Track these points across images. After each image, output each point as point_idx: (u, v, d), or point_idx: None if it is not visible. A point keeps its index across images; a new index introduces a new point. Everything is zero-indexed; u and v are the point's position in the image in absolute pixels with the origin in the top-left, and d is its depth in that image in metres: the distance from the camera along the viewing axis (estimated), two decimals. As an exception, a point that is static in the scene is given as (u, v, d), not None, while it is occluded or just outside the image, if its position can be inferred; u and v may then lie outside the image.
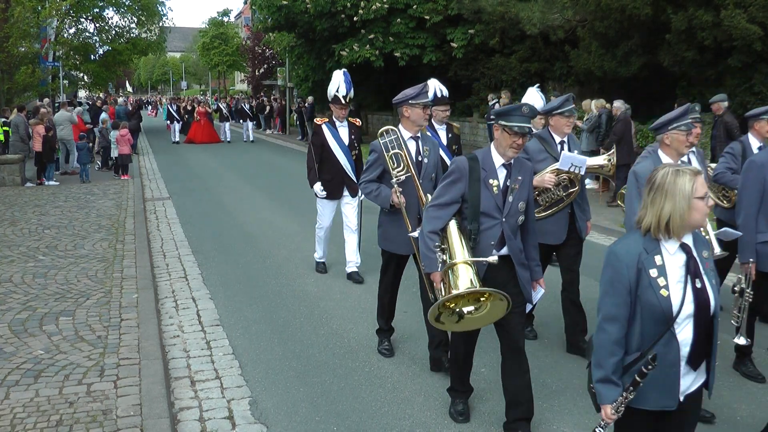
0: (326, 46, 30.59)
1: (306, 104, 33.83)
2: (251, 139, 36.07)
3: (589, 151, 16.80)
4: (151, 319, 7.54)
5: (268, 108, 41.81)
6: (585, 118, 16.75)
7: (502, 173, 5.01)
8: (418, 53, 27.83)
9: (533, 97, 8.25)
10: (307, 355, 6.76)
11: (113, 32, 45.76)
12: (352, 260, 9.44)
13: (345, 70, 9.14)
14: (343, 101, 8.93)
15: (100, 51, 45.62)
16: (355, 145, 9.29)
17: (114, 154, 21.02)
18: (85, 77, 47.66)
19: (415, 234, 5.83)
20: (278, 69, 51.55)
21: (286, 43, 37.42)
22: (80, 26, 44.65)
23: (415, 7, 27.33)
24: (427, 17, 27.15)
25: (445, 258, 5.01)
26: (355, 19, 27.52)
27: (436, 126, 8.13)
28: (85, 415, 5.30)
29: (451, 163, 5.28)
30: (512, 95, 22.80)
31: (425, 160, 6.49)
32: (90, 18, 44.73)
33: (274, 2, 28.21)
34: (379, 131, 6.69)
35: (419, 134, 6.59)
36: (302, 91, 40.04)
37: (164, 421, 5.21)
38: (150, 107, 79.36)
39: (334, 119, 9.13)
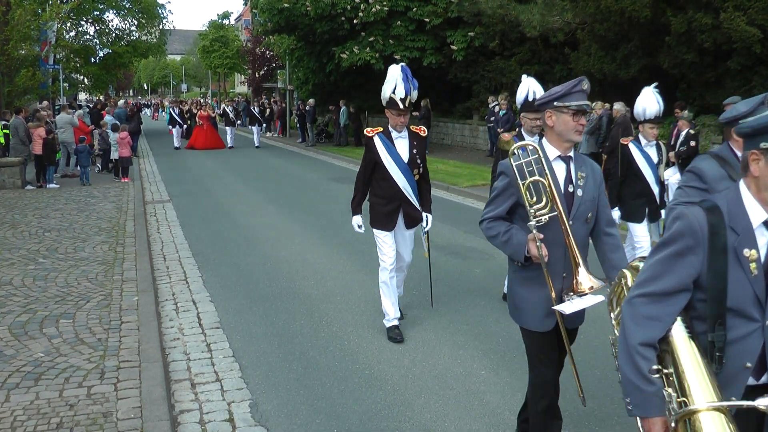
0: (326, 49, 30.64)
1: (307, 107, 33.65)
2: (256, 144, 33.72)
3: (588, 154, 16.83)
4: (152, 322, 7.54)
5: (268, 111, 41.49)
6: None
7: (763, 237, 2.91)
8: (418, 56, 27.87)
9: (649, 98, 8.64)
10: (308, 357, 6.76)
11: (113, 35, 45.86)
12: (391, 313, 7.34)
13: (403, 64, 7.10)
14: (401, 105, 6.90)
15: (101, 54, 45.68)
16: (418, 161, 7.26)
17: (114, 156, 21.02)
18: (86, 80, 47.69)
19: (564, 309, 4.43)
20: (278, 71, 51.59)
21: (287, 45, 37.44)
22: (80, 29, 44.73)
23: (415, 9, 27.40)
24: (427, 20, 27.21)
25: (670, 392, 2.88)
26: (355, 21, 27.57)
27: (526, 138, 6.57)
28: (85, 417, 5.30)
29: (675, 216, 3.03)
30: (512, 98, 22.82)
31: (579, 192, 4.37)
32: (90, 21, 44.80)
33: (275, 5, 28.24)
34: (512, 147, 4.41)
35: (571, 153, 4.42)
36: (302, 93, 40.04)
37: (164, 423, 5.22)
38: (151, 110, 78.98)
39: (390, 129, 7.16)
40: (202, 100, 55.29)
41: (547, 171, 4.25)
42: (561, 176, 4.36)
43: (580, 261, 4.42)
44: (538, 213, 4.25)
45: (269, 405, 5.74)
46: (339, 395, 5.92)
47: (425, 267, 10.18)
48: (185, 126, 35.59)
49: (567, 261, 4.44)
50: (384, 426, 5.38)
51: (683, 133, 13.63)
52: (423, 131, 7.45)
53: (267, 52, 53.66)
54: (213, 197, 17.25)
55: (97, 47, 45.40)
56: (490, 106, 23.64)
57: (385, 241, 7.35)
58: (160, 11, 47.69)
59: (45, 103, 26.75)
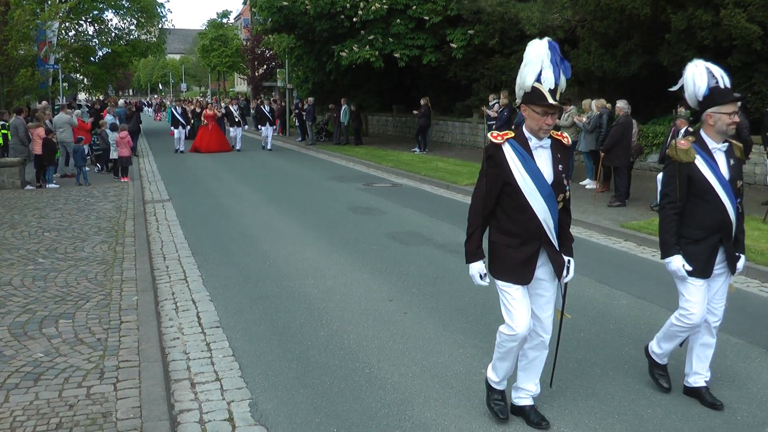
0: (326, 47, 30.64)
1: (306, 105, 33.51)
2: (269, 147, 31.23)
3: (588, 152, 16.81)
4: (151, 322, 7.52)
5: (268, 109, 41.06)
6: (585, 118, 16.72)
7: None
8: (417, 54, 27.87)
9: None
10: (307, 356, 6.75)
11: (113, 34, 45.84)
12: (529, 388, 5.50)
13: (550, 39, 5.04)
14: (550, 99, 4.86)
15: (100, 53, 45.68)
16: (565, 183, 5.11)
17: (113, 156, 21.01)
18: (85, 80, 47.70)
19: None
20: (278, 70, 51.63)
21: (286, 44, 37.44)
22: (80, 29, 44.72)
23: (414, 7, 27.40)
24: (426, 18, 27.21)
25: None
26: (354, 20, 27.57)
27: (711, 145, 5.50)
28: (84, 417, 5.29)
29: None
30: (512, 96, 22.81)
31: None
32: (89, 20, 44.79)
33: (274, 3, 28.23)
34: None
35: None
36: (302, 92, 40.06)
37: (164, 423, 5.20)
38: (152, 109, 78.66)
39: (527, 134, 5.04)
40: (208, 100, 54.49)
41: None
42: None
43: None
44: None
45: (269, 404, 5.73)
46: (339, 394, 5.90)
47: (433, 265, 10.19)
48: (188, 127, 33.08)
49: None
50: (384, 424, 5.37)
51: (682, 131, 13.59)
52: (566, 139, 5.23)
53: (266, 51, 53.67)
54: (213, 196, 17.24)
55: (97, 47, 45.40)
56: (490, 103, 23.61)
57: (515, 300, 5.10)
58: (159, 10, 47.69)
59: (44, 103, 26.74)
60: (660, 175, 13.69)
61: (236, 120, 31.79)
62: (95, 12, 44.49)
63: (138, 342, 6.87)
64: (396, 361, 6.62)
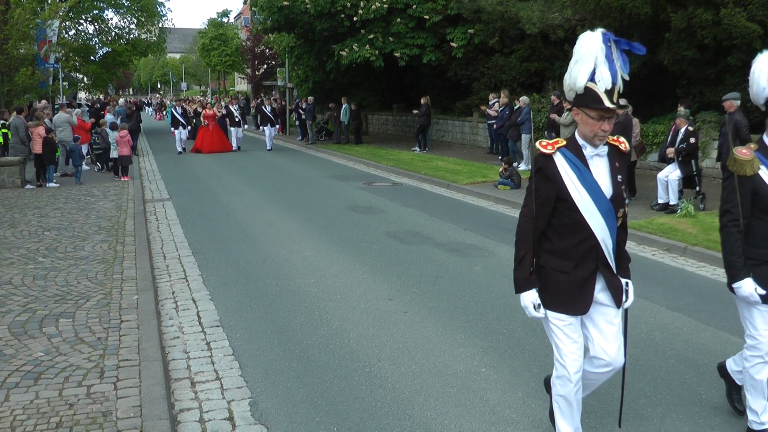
0: (326, 47, 30.64)
1: (305, 104, 33.42)
2: (269, 147, 30.94)
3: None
4: (151, 321, 7.52)
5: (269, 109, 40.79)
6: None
7: None
8: (418, 53, 27.86)
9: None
10: (307, 355, 6.75)
11: (113, 33, 45.85)
12: None
13: (604, 31, 4.34)
14: (606, 102, 4.21)
15: (100, 52, 45.68)
16: (624, 195, 4.49)
17: (113, 155, 21.01)
18: (85, 79, 47.70)
19: None
20: (278, 69, 51.64)
21: (286, 43, 37.43)
22: (80, 28, 44.74)
23: (414, 6, 27.39)
24: (426, 17, 27.20)
25: None
26: (354, 19, 27.56)
27: None
28: (85, 417, 5.29)
29: None
30: (512, 95, 22.82)
31: None
32: (90, 19, 44.80)
33: (275, 3, 28.22)
34: None
35: None
36: (302, 91, 40.04)
37: (164, 422, 5.20)
38: (152, 109, 78.50)
39: (581, 141, 4.41)
40: (209, 99, 54.10)
41: None
42: None
43: None
44: None
45: (269, 403, 5.73)
46: (339, 393, 5.90)
47: (433, 264, 10.19)
48: (189, 128, 32.11)
49: None
50: (384, 424, 5.37)
51: (682, 131, 13.60)
52: (624, 144, 4.54)
53: (266, 51, 53.67)
54: (213, 195, 17.24)
55: (97, 46, 45.39)
56: (490, 102, 23.61)
57: (566, 333, 4.51)
58: (159, 9, 47.70)
59: (44, 102, 26.74)
60: (659, 175, 13.73)
61: (237, 120, 31.22)
62: (95, 11, 44.50)
63: (138, 341, 6.87)
64: (396, 360, 6.62)
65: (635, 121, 14.94)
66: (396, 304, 8.31)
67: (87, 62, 44.17)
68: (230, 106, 32.36)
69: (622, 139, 4.53)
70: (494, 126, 22.80)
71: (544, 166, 4.39)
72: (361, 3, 27.32)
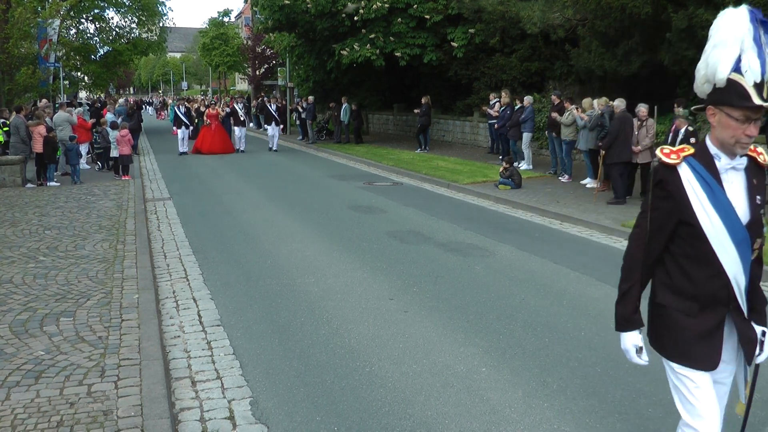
0: (327, 46, 30.64)
1: (305, 103, 33.31)
2: (274, 147, 30.06)
3: (587, 150, 16.80)
4: (152, 320, 7.53)
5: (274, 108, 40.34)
6: (585, 116, 16.68)
7: None
8: (418, 53, 27.87)
9: None
10: (308, 355, 6.75)
11: (114, 33, 45.85)
12: None
13: (748, 7, 3.52)
14: (756, 99, 3.31)
15: (101, 51, 45.70)
16: (761, 217, 3.54)
17: (114, 154, 21.01)
18: (86, 78, 47.71)
19: None
20: (279, 69, 51.64)
21: (287, 43, 37.41)
22: (81, 27, 44.75)
23: (415, 6, 27.41)
24: (427, 17, 27.21)
25: None
26: (355, 18, 27.57)
27: None
28: (85, 415, 5.30)
29: None
30: (513, 95, 22.82)
31: None
32: (90, 18, 44.82)
33: (275, 2, 28.23)
34: None
35: None
36: (303, 91, 40.02)
37: (165, 421, 5.21)
38: (152, 108, 78.34)
39: (715, 150, 3.52)
40: (210, 99, 53.51)
41: None
42: None
43: None
44: None
45: (270, 402, 5.74)
46: (339, 393, 5.91)
47: (434, 264, 10.20)
48: (192, 127, 30.93)
49: None
50: (384, 423, 5.37)
51: (682, 131, 13.60)
52: (763, 156, 3.60)
53: (267, 50, 53.65)
54: (213, 195, 17.25)
55: (98, 45, 45.41)
56: (491, 102, 23.61)
57: (701, 392, 3.63)
58: (160, 9, 47.68)
59: (44, 101, 26.75)
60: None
61: (242, 119, 30.13)
62: (96, 10, 44.51)
63: (139, 340, 6.88)
64: (397, 359, 6.62)
65: (651, 121, 14.96)
66: (396, 304, 8.31)
67: (88, 61, 44.20)
68: (235, 105, 31.33)
69: (760, 149, 3.59)
70: (495, 126, 22.80)
71: (665, 178, 3.51)
72: (362, 2, 27.32)
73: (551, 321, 7.66)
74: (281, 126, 33.06)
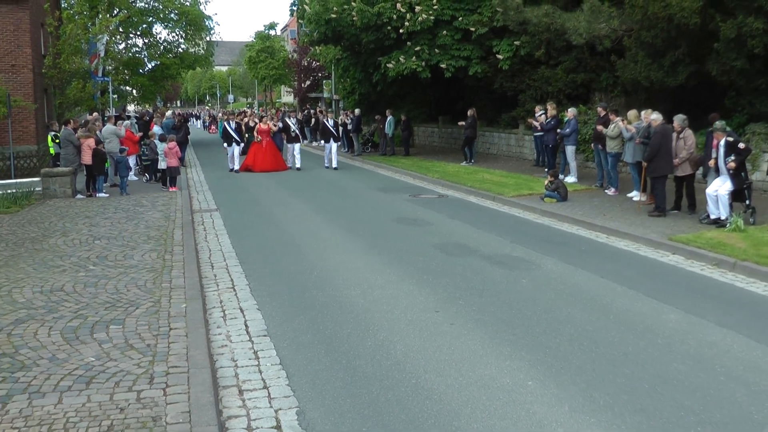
0: (372, 59, 30.72)
1: (350, 116, 33.28)
2: (334, 165, 27.20)
3: (633, 162, 16.60)
4: (200, 329, 7.61)
5: (314, 120, 40.55)
6: (632, 128, 16.46)
7: None
8: (464, 65, 27.84)
9: None
10: (354, 366, 6.77)
11: (161, 47, 46.60)
12: None
13: None
14: None
15: (149, 65, 46.45)
16: None
17: (161, 166, 21.30)
18: (134, 91, 48.51)
19: None
20: (324, 81, 51.98)
21: (333, 55, 37.58)
22: (129, 42, 45.56)
23: (460, 18, 27.41)
24: (472, 29, 27.20)
25: None
26: (401, 31, 27.62)
27: None
28: (135, 421, 5.37)
29: None
30: (559, 106, 22.69)
31: None
32: (139, 34, 45.62)
33: (322, 15, 28.39)
34: None
35: None
36: (348, 103, 40.14)
37: (213, 428, 5.26)
38: (200, 122, 78.75)
39: None
40: (260, 112, 53.18)
41: None
42: None
43: None
44: None
45: (316, 413, 5.76)
46: (386, 404, 5.91)
47: (479, 276, 10.16)
48: (242, 144, 28.87)
49: None
50: (431, 435, 5.37)
51: (722, 143, 13.36)
52: None
53: (312, 63, 54.02)
54: (259, 206, 17.38)
55: (146, 59, 46.16)
56: (537, 114, 23.47)
57: None
58: (207, 23, 48.37)
59: (95, 114, 27.23)
60: (708, 190, 13.52)
61: (294, 134, 27.68)
62: (144, 26, 45.30)
63: (187, 349, 6.96)
64: (442, 372, 6.61)
65: (688, 132, 14.74)
66: (442, 316, 8.30)
67: (136, 75, 44.93)
68: (288, 119, 29.40)
69: None
70: (541, 140, 22.66)
71: None
72: (408, 15, 27.39)
73: (598, 336, 7.58)
74: (339, 142, 29.98)
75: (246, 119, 33.03)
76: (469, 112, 26.96)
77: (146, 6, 45.49)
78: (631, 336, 7.55)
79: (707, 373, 6.54)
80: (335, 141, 27.80)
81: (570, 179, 20.08)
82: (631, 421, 5.56)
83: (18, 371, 6.37)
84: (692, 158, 14.74)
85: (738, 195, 13.27)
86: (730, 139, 13.29)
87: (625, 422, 5.55)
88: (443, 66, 27.70)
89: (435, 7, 27.34)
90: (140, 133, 25.51)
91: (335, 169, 26.83)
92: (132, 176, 22.80)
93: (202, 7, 47.92)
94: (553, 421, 5.59)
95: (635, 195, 16.78)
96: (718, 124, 13.77)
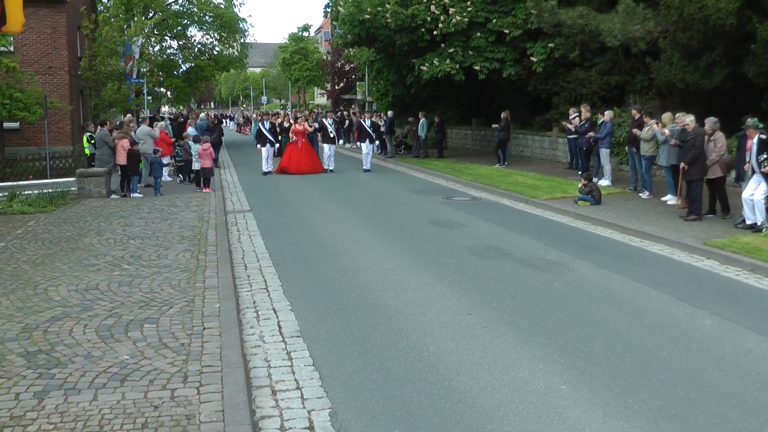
0: (406, 61, 30.71)
1: (383, 119, 33.19)
2: (368, 167, 27.08)
3: (668, 166, 16.42)
4: (233, 329, 7.65)
5: (347, 122, 40.69)
6: (667, 131, 16.28)
7: None
8: (498, 67, 27.74)
9: None
10: (387, 368, 6.77)
11: (196, 49, 46.94)
12: None
13: None
14: None
15: (183, 67, 46.84)
16: None
17: (195, 167, 21.46)
18: (168, 93, 48.92)
19: None
20: (358, 83, 52.07)
21: (366, 57, 37.59)
22: (164, 44, 45.98)
23: (494, 21, 27.32)
24: (506, 31, 27.08)
25: None
26: (435, 33, 27.59)
27: None
28: (169, 419, 5.41)
29: None
30: (593, 109, 22.53)
31: None
32: (173, 36, 46.02)
33: (356, 17, 28.42)
34: None
35: None
36: (381, 105, 40.13)
37: (246, 428, 5.29)
38: (234, 123, 79.03)
39: None
40: (295, 113, 52.97)
41: None
42: None
43: None
44: None
45: (349, 414, 5.77)
46: (418, 406, 5.90)
47: (513, 279, 10.12)
48: (277, 145, 28.56)
49: None
50: (463, 437, 5.35)
51: (754, 140, 13.13)
52: None
53: (345, 65, 54.15)
54: (292, 208, 17.44)
55: (180, 61, 46.56)
56: (570, 117, 23.31)
57: None
58: (241, 25, 48.62)
59: (129, 116, 27.51)
60: (744, 195, 13.33)
61: (331, 135, 27.38)
62: (179, 28, 45.68)
63: (220, 348, 6.99)
64: (475, 374, 6.59)
65: (719, 134, 14.56)
66: (475, 319, 8.28)
67: (170, 77, 45.32)
68: (325, 120, 28.94)
69: None
70: (575, 143, 22.51)
71: None
72: (442, 17, 27.35)
73: (631, 340, 7.52)
74: (375, 143, 29.98)
75: (279, 119, 32.75)
76: (503, 115, 26.86)
77: (181, 9, 45.89)
78: (666, 341, 7.48)
79: (743, 380, 6.45)
80: (371, 142, 27.73)
81: (604, 182, 19.93)
82: (665, 428, 5.51)
83: (54, 368, 6.45)
84: (722, 161, 14.55)
85: (773, 199, 13.07)
86: (764, 136, 13.08)
87: (660, 428, 5.50)
88: (477, 68, 27.61)
89: (469, 9, 27.26)
90: (173, 138, 25.62)
91: (368, 171, 26.69)
92: (166, 177, 22.98)
93: (236, 10, 48.10)
94: (587, 426, 5.55)
95: (670, 198, 16.61)
96: (750, 121, 13.59)
